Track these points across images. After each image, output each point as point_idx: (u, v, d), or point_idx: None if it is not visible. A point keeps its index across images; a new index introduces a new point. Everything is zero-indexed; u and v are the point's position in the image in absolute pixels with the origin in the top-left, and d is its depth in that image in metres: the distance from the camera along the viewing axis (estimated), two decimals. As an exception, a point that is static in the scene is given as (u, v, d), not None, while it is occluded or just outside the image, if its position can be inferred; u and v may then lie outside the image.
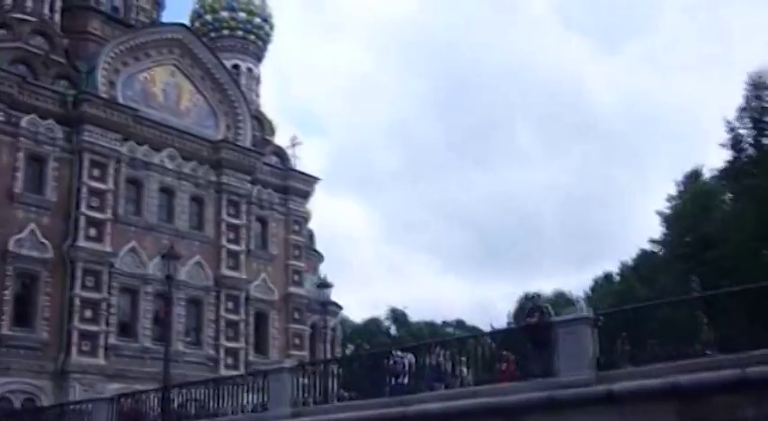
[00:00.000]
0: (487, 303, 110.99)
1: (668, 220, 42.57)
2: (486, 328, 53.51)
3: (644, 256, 49.57)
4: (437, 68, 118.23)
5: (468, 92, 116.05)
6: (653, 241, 44.65)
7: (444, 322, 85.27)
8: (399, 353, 16.20)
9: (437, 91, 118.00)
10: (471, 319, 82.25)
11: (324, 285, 37.13)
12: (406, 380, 15.74)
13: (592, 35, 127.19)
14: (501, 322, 63.65)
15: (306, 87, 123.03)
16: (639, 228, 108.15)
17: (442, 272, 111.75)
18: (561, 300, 63.91)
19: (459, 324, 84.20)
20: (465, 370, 15.66)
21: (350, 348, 63.50)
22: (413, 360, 15.80)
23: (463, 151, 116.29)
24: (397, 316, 76.00)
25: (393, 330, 75.73)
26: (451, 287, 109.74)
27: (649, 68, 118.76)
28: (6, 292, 31.60)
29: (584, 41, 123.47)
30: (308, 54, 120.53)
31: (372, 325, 72.03)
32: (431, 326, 79.51)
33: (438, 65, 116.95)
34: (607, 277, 59.29)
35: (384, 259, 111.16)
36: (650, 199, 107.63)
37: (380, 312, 77.01)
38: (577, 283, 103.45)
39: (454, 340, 20.79)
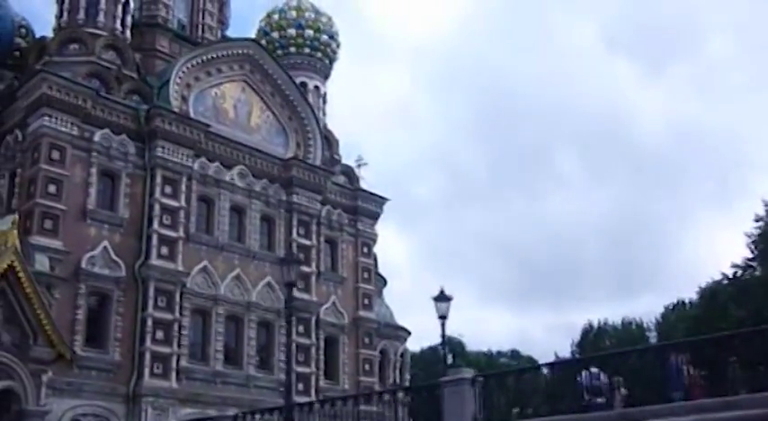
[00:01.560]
0: (530, 333, 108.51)
1: (757, 242, 40.61)
2: (544, 359, 51.85)
3: (717, 284, 47.43)
4: (479, 94, 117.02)
5: (510, 118, 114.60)
6: (737, 266, 42.53)
7: (499, 352, 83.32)
8: (594, 369, 14.72)
9: (478, 117, 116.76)
10: (523, 350, 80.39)
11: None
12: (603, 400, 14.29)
13: (637, 59, 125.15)
14: (563, 352, 61.76)
15: (345, 112, 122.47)
16: (688, 254, 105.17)
17: (483, 301, 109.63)
18: (630, 328, 61.93)
19: (515, 354, 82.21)
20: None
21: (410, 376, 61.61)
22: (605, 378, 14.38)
23: (504, 178, 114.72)
24: (454, 345, 74.07)
25: (450, 359, 73.78)
26: (493, 316, 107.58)
27: (696, 92, 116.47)
28: (78, 312, 30.43)
29: (629, 65, 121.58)
30: (347, 79, 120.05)
31: (429, 353, 70.22)
32: (487, 356, 77.60)
33: (480, 91, 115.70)
34: (680, 304, 57.08)
35: (423, 288, 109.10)
36: (696, 225, 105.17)
37: (434, 340, 75.24)
38: (645, 310, 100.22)
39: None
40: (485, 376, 18.86)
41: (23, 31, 41.64)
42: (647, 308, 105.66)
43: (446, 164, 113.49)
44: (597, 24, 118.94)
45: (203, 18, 42.96)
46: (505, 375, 23.43)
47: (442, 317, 22.84)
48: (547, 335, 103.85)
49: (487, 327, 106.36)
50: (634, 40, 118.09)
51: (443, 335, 23.35)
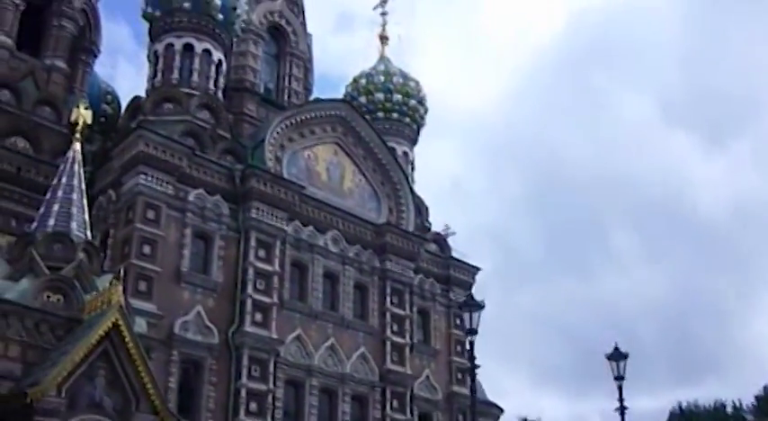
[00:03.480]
0: (588, 419, 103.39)
1: None
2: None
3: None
4: (532, 169, 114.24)
5: (564, 193, 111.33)
6: None
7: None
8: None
9: (532, 193, 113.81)
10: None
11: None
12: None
13: (696, 131, 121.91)
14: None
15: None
16: (753, 333, 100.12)
17: (535, 384, 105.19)
18: (722, 411, 58.22)
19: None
20: None
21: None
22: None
23: (558, 256, 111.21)
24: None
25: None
26: (547, 401, 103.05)
27: (758, 165, 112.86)
28: (171, 379, 28.64)
29: (687, 137, 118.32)
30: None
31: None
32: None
33: (533, 165, 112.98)
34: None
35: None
36: (761, 303, 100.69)
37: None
38: (708, 393, 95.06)
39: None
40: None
41: (109, 97, 41.44)
42: (710, 390, 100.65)
43: (499, 241, 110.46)
44: (654, 95, 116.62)
45: (289, 83, 42.19)
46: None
47: (618, 378, 20.11)
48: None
49: (541, 412, 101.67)
50: (692, 112, 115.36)
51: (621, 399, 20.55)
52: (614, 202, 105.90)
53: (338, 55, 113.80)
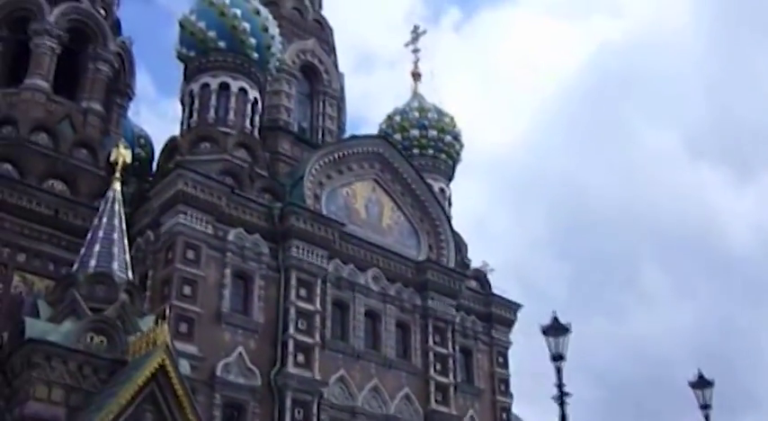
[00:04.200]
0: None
1: None
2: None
3: None
4: (558, 207, 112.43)
5: (590, 231, 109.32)
6: None
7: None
8: None
9: (557, 231, 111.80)
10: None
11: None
12: None
13: (723, 165, 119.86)
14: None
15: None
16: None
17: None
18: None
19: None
20: None
21: None
22: None
23: (585, 294, 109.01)
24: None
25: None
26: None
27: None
28: (214, 424, 27.90)
29: (715, 172, 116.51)
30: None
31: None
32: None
33: (558, 203, 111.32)
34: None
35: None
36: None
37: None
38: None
39: None
40: None
41: (142, 140, 41.21)
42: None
43: (524, 281, 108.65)
44: (679, 127, 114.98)
45: (323, 122, 41.90)
46: None
47: (704, 407, 18.70)
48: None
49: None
50: (719, 146, 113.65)
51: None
52: (642, 238, 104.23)
53: (359, 94, 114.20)
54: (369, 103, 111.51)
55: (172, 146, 34.64)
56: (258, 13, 36.69)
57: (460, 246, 40.43)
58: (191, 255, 29.68)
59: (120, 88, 39.08)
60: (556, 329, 17.95)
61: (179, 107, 38.00)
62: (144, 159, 39.41)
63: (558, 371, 17.40)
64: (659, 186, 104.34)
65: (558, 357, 17.64)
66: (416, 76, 46.67)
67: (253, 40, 36.09)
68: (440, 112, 44.11)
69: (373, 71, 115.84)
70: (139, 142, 41.06)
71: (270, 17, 37.54)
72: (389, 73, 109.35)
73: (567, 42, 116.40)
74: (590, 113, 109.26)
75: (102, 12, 38.71)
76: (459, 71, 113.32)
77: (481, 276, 40.35)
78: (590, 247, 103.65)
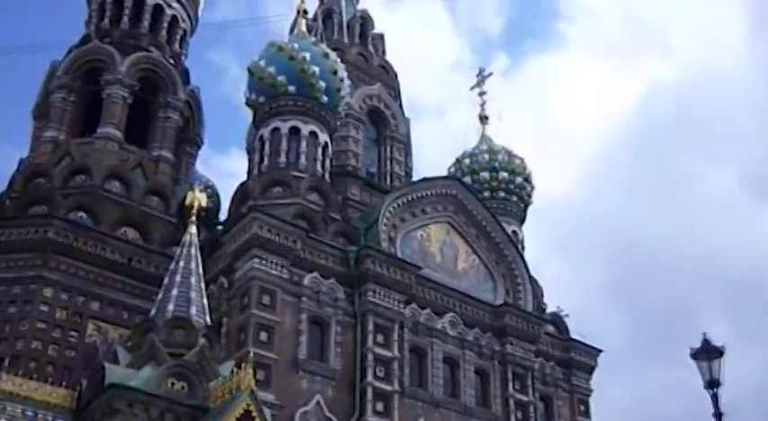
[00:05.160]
0: None
1: None
2: None
3: None
4: (611, 253, 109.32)
5: (647, 277, 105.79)
6: None
7: None
8: None
9: (612, 279, 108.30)
10: None
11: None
12: None
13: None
14: None
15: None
16: None
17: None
18: None
19: None
20: None
21: None
22: None
23: (643, 344, 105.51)
24: None
25: None
26: None
27: None
28: (293, 475, 26.87)
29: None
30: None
31: None
32: None
33: (612, 250, 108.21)
34: None
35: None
36: None
37: None
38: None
39: None
40: None
41: (210, 190, 40.97)
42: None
43: (582, 331, 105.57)
44: (737, 169, 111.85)
45: (391, 167, 41.44)
46: None
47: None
48: None
49: None
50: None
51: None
52: (702, 283, 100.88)
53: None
54: (417, 150, 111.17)
55: (243, 191, 34.27)
56: (327, 56, 36.50)
57: (536, 290, 39.19)
58: (266, 300, 28.97)
59: (188, 137, 39.18)
60: (708, 352, 16.32)
61: (232, 159, 37.84)
62: (211, 209, 39.15)
63: (715, 398, 15.85)
64: (718, 228, 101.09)
65: (713, 383, 15.96)
66: (484, 118, 46.06)
67: (322, 84, 35.81)
68: (510, 154, 43.32)
69: (421, 118, 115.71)
70: (206, 192, 40.89)
71: (338, 61, 37.34)
72: (438, 120, 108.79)
73: (617, 84, 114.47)
74: (643, 155, 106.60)
75: (171, 61, 38.93)
76: (509, 116, 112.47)
77: (559, 321, 38.96)
78: (649, 294, 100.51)
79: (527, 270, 37.32)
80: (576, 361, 37.83)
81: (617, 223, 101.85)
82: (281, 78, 35.51)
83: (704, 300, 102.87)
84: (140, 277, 31.59)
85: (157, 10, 40.11)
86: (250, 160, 40.38)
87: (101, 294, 30.66)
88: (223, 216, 38.44)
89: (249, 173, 38.05)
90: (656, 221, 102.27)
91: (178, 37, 40.80)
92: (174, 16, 40.66)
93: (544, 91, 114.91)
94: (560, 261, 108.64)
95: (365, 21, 46.45)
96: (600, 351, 38.88)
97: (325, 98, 36.01)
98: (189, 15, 41.93)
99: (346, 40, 44.27)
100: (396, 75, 45.34)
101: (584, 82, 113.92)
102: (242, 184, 35.12)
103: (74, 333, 29.46)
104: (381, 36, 47.00)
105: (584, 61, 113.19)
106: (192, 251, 26.77)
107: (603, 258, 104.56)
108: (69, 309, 29.75)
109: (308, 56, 35.84)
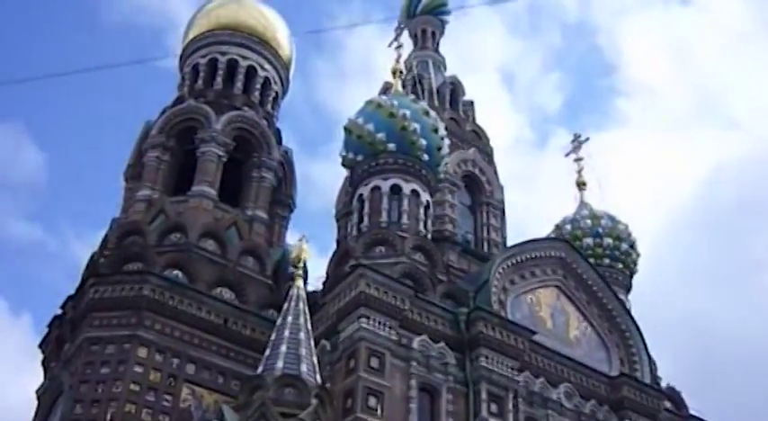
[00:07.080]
0: None
1: None
2: None
3: None
4: (679, 347, 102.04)
5: (718, 372, 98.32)
6: None
7: None
8: None
9: (682, 375, 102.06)
10: None
11: None
12: None
13: None
14: None
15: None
16: None
17: None
18: None
19: None
20: None
21: None
22: None
23: None
24: None
25: None
26: None
27: None
28: None
29: None
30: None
31: None
32: None
33: (680, 343, 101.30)
34: None
35: None
36: None
37: None
38: None
39: None
40: None
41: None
42: None
43: (696, 408, 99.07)
44: None
45: (488, 233, 39.40)
46: None
47: None
48: None
49: None
50: None
51: None
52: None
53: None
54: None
55: (343, 251, 32.50)
56: (427, 114, 35.14)
57: (652, 362, 36.37)
58: (375, 363, 26.81)
59: (281, 199, 37.89)
60: None
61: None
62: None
63: None
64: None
65: None
66: (581, 184, 44.14)
67: (423, 142, 34.30)
68: (613, 220, 41.14)
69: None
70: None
71: (438, 119, 35.97)
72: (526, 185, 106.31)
73: (681, 161, 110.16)
74: (709, 238, 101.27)
75: (265, 121, 38.03)
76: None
77: (676, 395, 35.97)
78: (721, 392, 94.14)
79: (643, 340, 34.62)
80: (694, 439, 34.75)
81: (684, 314, 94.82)
82: (380, 136, 34.10)
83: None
84: (236, 339, 30.03)
85: (250, 72, 39.58)
86: (339, 228, 39.03)
87: (196, 356, 28.97)
88: (313, 283, 36.77)
89: (344, 237, 36.56)
90: (726, 311, 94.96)
91: (270, 98, 40.05)
92: (266, 78, 40.03)
93: (605, 168, 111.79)
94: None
95: (455, 87, 45.29)
96: (721, 429, 35.73)
97: (426, 156, 34.44)
98: (281, 78, 41.28)
99: (437, 105, 43.06)
100: (488, 140, 43.84)
101: (646, 159, 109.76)
102: (341, 245, 33.46)
103: (168, 396, 27.66)
104: (471, 102, 45.67)
105: (645, 137, 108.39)
106: (300, 306, 25.10)
107: (672, 351, 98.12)
108: (164, 370, 28.04)
109: (408, 113, 34.47)
